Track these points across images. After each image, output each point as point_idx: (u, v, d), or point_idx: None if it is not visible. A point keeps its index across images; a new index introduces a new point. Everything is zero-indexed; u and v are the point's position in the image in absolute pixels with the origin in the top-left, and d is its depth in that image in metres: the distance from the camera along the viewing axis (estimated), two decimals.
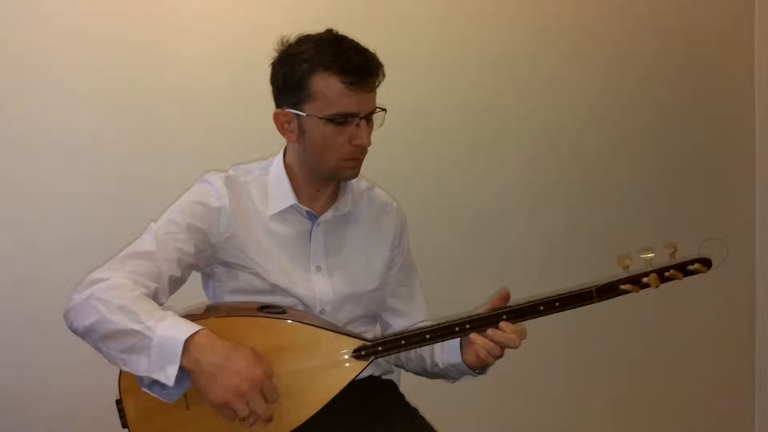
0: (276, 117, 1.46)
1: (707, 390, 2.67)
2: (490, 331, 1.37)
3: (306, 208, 1.50)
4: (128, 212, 1.89)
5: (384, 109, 1.45)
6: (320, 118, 1.40)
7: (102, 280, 1.29)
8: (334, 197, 1.55)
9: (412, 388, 1.67)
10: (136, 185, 1.96)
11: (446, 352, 1.49)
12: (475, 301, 1.57)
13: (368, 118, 1.43)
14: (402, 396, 1.64)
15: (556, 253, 2.43)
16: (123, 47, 1.93)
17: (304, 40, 1.43)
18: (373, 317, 1.64)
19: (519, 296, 1.42)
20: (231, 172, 1.53)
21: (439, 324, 1.39)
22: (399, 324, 1.63)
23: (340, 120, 1.40)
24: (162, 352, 1.21)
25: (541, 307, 1.38)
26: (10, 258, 1.89)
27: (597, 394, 2.52)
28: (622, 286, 1.39)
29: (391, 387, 1.64)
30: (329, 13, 1.98)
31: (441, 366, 1.51)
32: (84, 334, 1.28)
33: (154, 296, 1.33)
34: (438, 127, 2.26)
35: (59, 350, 1.85)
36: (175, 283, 1.41)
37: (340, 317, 1.51)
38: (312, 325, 1.39)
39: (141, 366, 1.22)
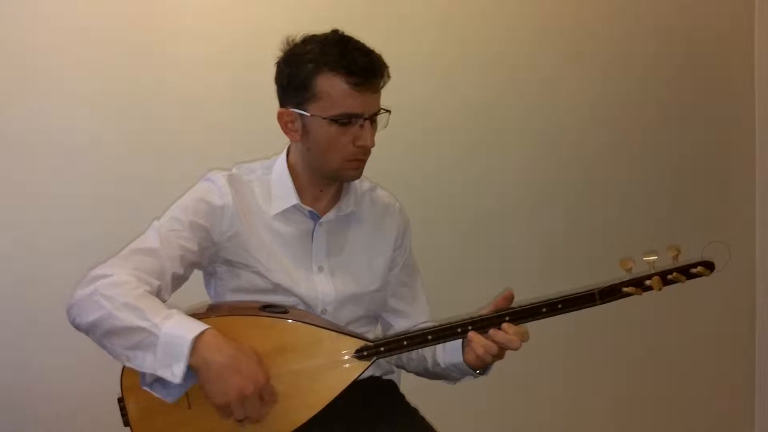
0: (280, 116, 1.46)
1: (707, 390, 2.67)
2: (491, 331, 1.36)
3: (308, 208, 1.50)
4: (128, 212, 1.89)
5: (388, 111, 1.45)
6: (324, 118, 1.39)
7: (106, 276, 1.29)
8: (336, 197, 1.54)
9: (412, 388, 1.66)
10: (136, 185, 1.95)
11: (448, 351, 1.48)
12: (475, 301, 1.57)
13: (372, 119, 1.43)
14: (402, 396, 1.64)
15: (556, 253, 2.43)
16: (123, 47, 1.93)
17: (309, 40, 1.43)
18: (375, 318, 1.64)
19: (519, 296, 1.42)
20: (234, 170, 1.53)
21: (441, 325, 1.39)
22: (401, 325, 1.63)
23: (344, 120, 1.39)
24: (169, 350, 1.21)
25: (544, 309, 1.37)
26: (10, 258, 1.88)
27: (597, 395, 2.52)
28: (625, 289, 1.38)
29: (392, 387, 1.64)
30: (329, 13, 1.98)
31: (442, 365, 1.51)
32: (87, 329, 1.28)
33: (157, 293, 1.33)
34: (438, 127, 2.26)
35: (59, 350, 1.85)
36: (178, 281, 1.41)
37: (342, 317, 1.51)
38: (314, 325, 1.38)
39: (146, 363, 1.22)
